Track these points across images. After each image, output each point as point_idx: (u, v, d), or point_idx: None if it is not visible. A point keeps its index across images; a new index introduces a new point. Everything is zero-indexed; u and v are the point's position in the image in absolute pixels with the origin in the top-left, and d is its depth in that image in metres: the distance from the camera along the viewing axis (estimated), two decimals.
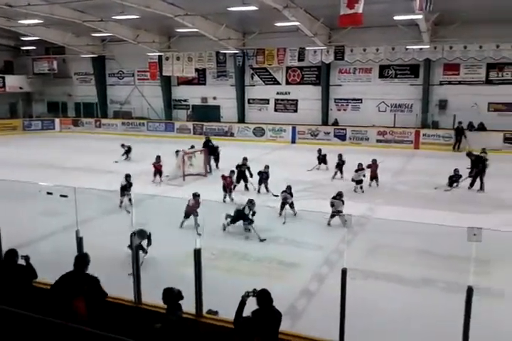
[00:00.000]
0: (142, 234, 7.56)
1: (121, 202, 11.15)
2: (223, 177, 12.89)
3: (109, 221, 10.39)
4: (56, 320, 4.00)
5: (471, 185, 14.07)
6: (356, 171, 14.09)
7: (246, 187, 13.93)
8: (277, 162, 17.25)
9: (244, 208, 9.91)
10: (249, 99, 28.02)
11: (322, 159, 16.99)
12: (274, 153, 21.52)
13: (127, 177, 11.62)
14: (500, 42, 21.10)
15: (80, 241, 5.46)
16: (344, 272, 4.48)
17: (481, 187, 13.92)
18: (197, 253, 4.84)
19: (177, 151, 16.06)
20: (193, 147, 17.18)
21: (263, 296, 4.31)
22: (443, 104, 23.36)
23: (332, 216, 10.48)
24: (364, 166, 14.21)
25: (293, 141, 25.21)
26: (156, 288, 4.52)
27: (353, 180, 14.04)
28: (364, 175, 14.11)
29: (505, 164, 17.67)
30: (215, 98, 28.70)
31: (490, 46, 21.35)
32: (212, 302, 5.49)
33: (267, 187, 13.50)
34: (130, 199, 10.73)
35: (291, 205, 11.11)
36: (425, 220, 10.64)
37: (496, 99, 22.53)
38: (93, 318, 4.48)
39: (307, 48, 24.55)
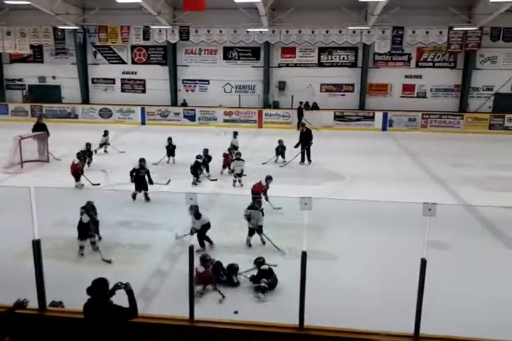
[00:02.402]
0: None
1: (82, 248, 8.09)
2: (225, 155, 12.68)
3: None
4: None
5: (302, 159, 15.52)
6: (233, 160, 12.98)
7: (147, 198, 11.20)
8: (128, 144, 17.03)
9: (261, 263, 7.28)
10: (93, 79, 26.72)
11: (171, 150, 15.31)
12: (123, 135, 21.05)
13: (88, 209, 8.09)
14: (329, 28, 23.02)
15: None
16: (191, 249, 4.65)
17: (309, 159, 15.46)
18: (36, 244, 4.77)
19: None
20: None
21: (94, 285, 4.18)
22: (282, 86, 24.97)
23: (251, 232, 8.66)
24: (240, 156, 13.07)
25: (143, 123, 24.85)
26: None
27: (232, 171, 12.86)
28: (242, 170, 12.79)
29: (335, 139, 19.84)
30: (54, 77, 26.76)
31: (320, 31, 23.10)
32: (63, 296, 5.52)
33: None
34: (94, 243, 8.21)
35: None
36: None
37: (326, 80, 24.79)
38: None
39: (152, 27, 24.10)
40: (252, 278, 7.12)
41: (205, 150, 13.67)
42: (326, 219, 9.98)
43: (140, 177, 11.12)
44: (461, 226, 9.40)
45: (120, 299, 4.23)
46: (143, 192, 11.15)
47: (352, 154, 16.72)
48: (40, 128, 16.01)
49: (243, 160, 12.97)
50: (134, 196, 11.12)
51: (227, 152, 14.09)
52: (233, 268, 7.31)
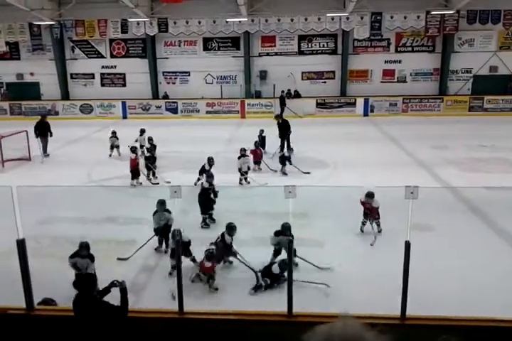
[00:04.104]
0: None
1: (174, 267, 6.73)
2: (253, 151, 12.57)
3: None
4: None
5: (282, 149, 15.43)
6: (240, 158, 12.01)
7: (212, 218, 9.17)
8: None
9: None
10: (71, 74, 26.35)
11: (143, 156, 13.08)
12: (105, 130, 20.82)
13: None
14: (308, 16, 22.93)
15: None
16: (178, 241, 4.78)
17: (289, 149, 15.43)
18: (20, 243, 4.76)
19: None
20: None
21: (79, 281, 4.25)
22: (263, 75, 24.90)
23: (277, 254, 7.30)
24: (247, 152, 12.41)
25: (124, 117, 24.64)
26: None
27: (240, 170, 11.92)
28: (249, 167, 12.22)
29: (317, 126, 19.90)
30: (32, 74, 26.30)
31: (300, 19, 23.00)
32: (50, 293, 5.51)
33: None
34: (194, 260, 7.13)
35: None
36: (254, 183, 11.62)
37: (307, 68, 24.78)
38: None
39: (130, 20, 23.75)
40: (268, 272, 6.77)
41: (210, 159, 11.05)
42: (312, 207, 10.08)
43: (207, 196, 8.92)
44: (445, 208, 9.57)
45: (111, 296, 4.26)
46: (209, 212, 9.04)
47: (335, 141, 16.78)
48: (43, 126, 15.69)
49: (247, 156, 12.36)
50: (205, 221, 9.05)
51: (254, 147, 13.10)
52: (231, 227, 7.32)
